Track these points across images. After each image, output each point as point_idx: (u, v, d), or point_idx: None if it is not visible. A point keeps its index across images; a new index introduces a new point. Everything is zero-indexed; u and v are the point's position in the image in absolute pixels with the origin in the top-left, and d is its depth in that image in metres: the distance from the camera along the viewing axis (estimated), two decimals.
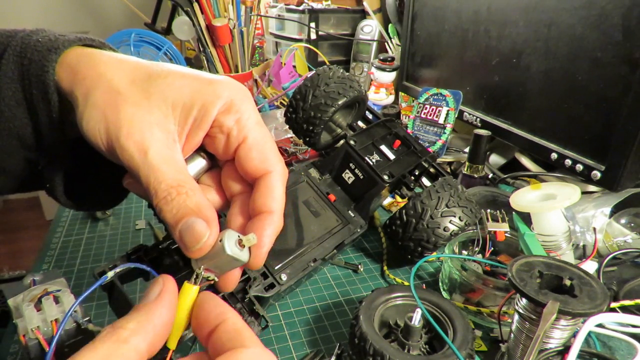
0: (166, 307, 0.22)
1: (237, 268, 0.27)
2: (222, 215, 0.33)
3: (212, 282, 0.26)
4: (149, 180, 0.25)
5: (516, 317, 0.36)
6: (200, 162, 0.29)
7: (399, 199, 0.69)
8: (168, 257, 0.36)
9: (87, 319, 0.34)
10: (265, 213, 0.27)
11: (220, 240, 0.24)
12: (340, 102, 0.54)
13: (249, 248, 0.26)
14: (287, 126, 0.59)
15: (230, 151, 0.28)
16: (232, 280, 0.28)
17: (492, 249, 0.51)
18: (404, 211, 0.50)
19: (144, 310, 0.22)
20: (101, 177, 0.34)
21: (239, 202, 0.29)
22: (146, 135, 0.25)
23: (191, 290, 0.24)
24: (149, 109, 0.26)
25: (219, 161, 0.30)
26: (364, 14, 1.23)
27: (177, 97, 0.26)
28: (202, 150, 0.29)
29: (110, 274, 0.29)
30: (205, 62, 1.00)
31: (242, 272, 0.30)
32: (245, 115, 0.28)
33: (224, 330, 0.22)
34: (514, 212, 0.52)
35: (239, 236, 0.25)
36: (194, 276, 0.25)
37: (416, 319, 0.37)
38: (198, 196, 0.25)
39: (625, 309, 0.43)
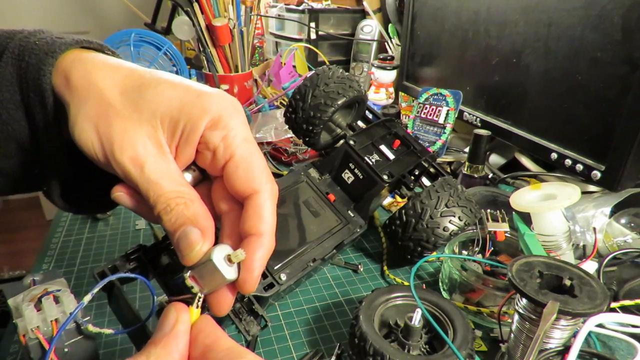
0: (182, 338, 0.23)
1: (228, 290, 0.26)
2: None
3: (194, 295, 0.25)
4: (149, 194, 0.25)
5: (516, 317, 0.36)
6: (188, 177, 0.29)
7: (398, 199, 0.68)
8: (167, 257, 0.36)
9: (86, 319, 0.34)
10: (254, 235, 0.26)
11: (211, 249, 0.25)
12: (339, 102, 0.54)
13: (238, 266, 0.25)
14: (287, 126, 0.59)
15: (217, 168, 0.28)
16: (223, 302, 0.26)
17: (492, 249, 0.51)
18: (403, 211, 0.50)
19: (161, 344, 0.22)
20: (98, 180, 0.34)
21: (228, 221, 0.28)
22: (140, 149, 0.25)
23: (193, 312, 0.25)
24: (140, 122, 0.26)
25: (211, 176, 0.30)
26: (364, 14, 1.23)
27: (165, 110, 0.26)
28: (192, 163, 0.29)
29: (95, 290, 0.29)
30: (205, 62, 1.00)
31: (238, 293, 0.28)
32: (232, 132, 0.27)
33: (218, 349, 0.22)
34: (514, 212, 0.52)
35: (231, 252, 0.25)
36: (197, 300, 0.25)
37: (416, 319, 0.37)
38: (196, 206, 0.26)
39: (625, 309, 0.43)
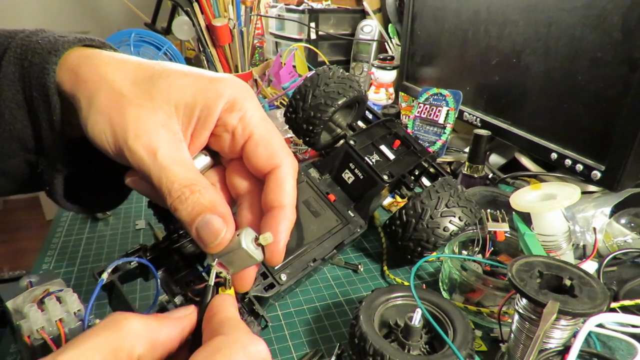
0: (178, 328, 0.23)
1: (252, 268, 0.27)
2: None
3: (222, 279, 0.26)
4: (161, 181, 0.25)
5: (516, 317, 0.36)
6: (204, 160, 0.29)
7: (399, 199, 0.68)
8: (168, 257, 0.36)
9: (91, 316, 0.34)
10: (277, 208, 0.27)
11: (238, 235, 0.25)
12: (340, 102, 0.54)
13: (263, 248, 0.26)
14: (287, 126, 0.59)
15: (237, 149, 0.28)
16: (247, 279, 0.28)
17: (492, 249, 0.51)
18: (403, 211, 0.50)
19: (157, 318, 0.23)
20: (101, 179, 0.34)
21: (247, 200, 0.29)
22: (153, 136, 0.25)
23: (226, 293, 0.26)
24: (153, 110, 0.26)
25: (223, 160, 0.30)
26: (364, 14, 1.23)
27: (180, 97, 0.26)
28: (204, 148, 0.29)
29: (105, 275, 0.30)
30: (205, 62, 1.00)
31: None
32: (249, 113, 0.28)
33: (213, 321, 0.23)
34: (514, 212, 0.52)
35: (256, 235, 0.26)
36: (227, 282, 0.26)
37: (416, 319, 0.37)
38: (211, 193, 0.26)
39: (625, 309, 0.43)
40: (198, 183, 0.25)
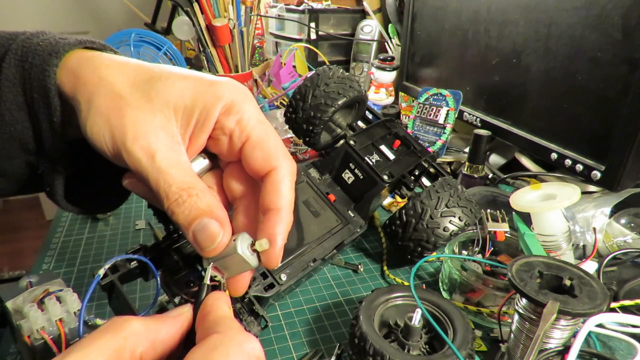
0: (176, 326, 0.23)
1: (247, 273, 0.27)
2: None
3: (217, 283, 0.26)
4: (159, 184, 0.25)
5: (516, 317, 0.36)
6: (202, 163, 0.29)
7: (399, 199, 0.69)
8: (168, 257, 0.36)
9: (91, 316, 0.34)
10: (274, 210, 0.27)
11: (234, 240, 0.25)
12: (340, 102, 0.54)
13: (259, 254, 0.26)
14: (287, 126, 0.59)
15: (235, 152, 0.28)
16: (242, 284, 0.28)
17: (492, 249, 0.51)
18: (403, 211, 0.50)
19: (156, 318, 0.23)
20: (101, 180, 0.34)
21: (244, 203, 0.29)
22: (152, 139, 0.25)
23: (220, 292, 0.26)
24: (152, 113, 0.26)
25: (221, 162, 0.31)
26: (364, 14, 1.23)
27: (179, 100, 0.26)
28: (203, 150, 0.29)
29: (102, 271, 0.31)
30: (205, 62, 1.00)
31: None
32: (246, 115, 0.27)
33: (207, 320, 0.23)
34: (514, 212, 0.52)
35: (252, 241, 0.26)
36: (223, 286, 0.26)
37: (416, 319, 0.37)
38: (209, 197, 0.26)
39: (625, 309, 0.43)
40: (195, 186, 0.25)
